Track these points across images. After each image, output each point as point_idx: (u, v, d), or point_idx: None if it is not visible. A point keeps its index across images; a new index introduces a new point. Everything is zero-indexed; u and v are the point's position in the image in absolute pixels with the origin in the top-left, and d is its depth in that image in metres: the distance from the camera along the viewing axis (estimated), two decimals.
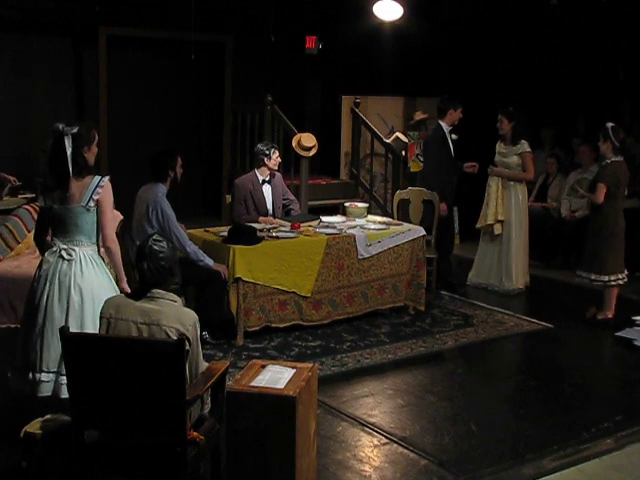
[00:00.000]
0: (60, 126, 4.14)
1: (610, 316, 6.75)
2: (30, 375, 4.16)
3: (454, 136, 7.83)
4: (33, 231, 4.58)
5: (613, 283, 6.66)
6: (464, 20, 9.72)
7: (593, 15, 8.93)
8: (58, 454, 3.70)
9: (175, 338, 3.40)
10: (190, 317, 3.53)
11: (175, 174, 5.89)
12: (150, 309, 3.51)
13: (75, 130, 4.15)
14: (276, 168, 6.84)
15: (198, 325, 3.56)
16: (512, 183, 7.63)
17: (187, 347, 3.41)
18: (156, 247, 3.57)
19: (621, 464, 4.40)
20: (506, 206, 7.61)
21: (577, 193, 8.12)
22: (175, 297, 3.60)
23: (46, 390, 4.12)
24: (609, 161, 6.59)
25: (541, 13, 9.31)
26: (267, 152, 6.76)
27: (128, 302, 3.58)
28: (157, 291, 3.55)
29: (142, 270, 3.56)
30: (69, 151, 4.11)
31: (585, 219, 8.34)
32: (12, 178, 7.45)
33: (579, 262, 6.96)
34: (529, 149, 7.61)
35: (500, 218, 7.59)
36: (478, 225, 7.81)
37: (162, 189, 5.84)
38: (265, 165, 6.76)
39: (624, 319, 6.70)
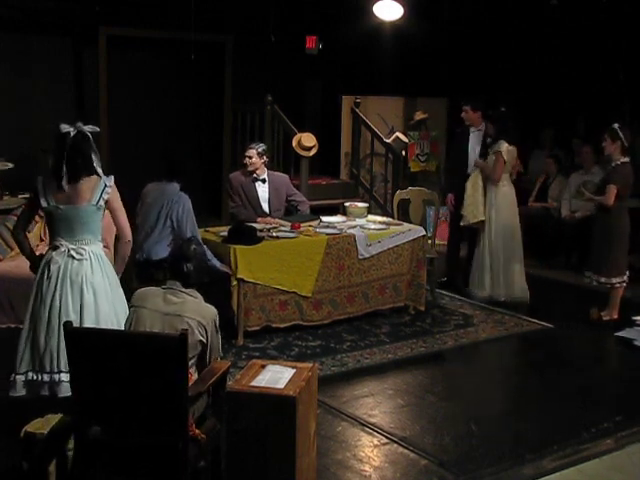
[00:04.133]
0: (80, 125, 4.19)
1: (616, 317, 6.75)
2: (46, 377, 4.15)
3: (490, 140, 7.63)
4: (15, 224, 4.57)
5: (624, 284, 6.68)
6: (464, 20, 9.71)
7: (593, 15, 8.92)
8: (58, 454, 3.70)
9: (195, 329, 3.59)
10: (210, 311, 3.75)
11: (186, 174, 5.93)
12: (173, 300, 3.71)
13: (97, 130, 4.24)
14: (249, 168, 6.76)
15: (217, 319, 3.76)
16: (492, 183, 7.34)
17: (204, 339, 3.67)
18: (199, 249, 3.88)
19: (621, 464, 4.40)
20: (489, 209, 7.31)
21: (583, 196, 7.77)
22: (197, 294, 3.80)
23: (65, 390, 4.11)
24: (619, 162, 6.57)
25: (541, 13, 9.30)
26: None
27: (154, 293, 3.78)
28: (180, 286, 3.76)
29: (186, 271, 3.76)
30: (95, 150, 4.21)
31: (585, 219, 8.35)
32: None
33: (587, 264, 6.88)
34: (502, 149, 7.24)
35: (481, 218, 7.30)
36: (462, 223, 7.47)
37: (177, 187, 5.83)
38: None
39: (624, 319, 6.70)
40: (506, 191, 7.38)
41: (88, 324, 4.08)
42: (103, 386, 3.37)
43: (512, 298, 7.33)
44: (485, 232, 7.35)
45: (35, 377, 4.18)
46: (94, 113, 9.09)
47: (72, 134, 4.16)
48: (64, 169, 4.13)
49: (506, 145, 7.29)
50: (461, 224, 7.52)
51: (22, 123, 8.72)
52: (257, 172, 6.79)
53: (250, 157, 6.76)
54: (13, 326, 5.76)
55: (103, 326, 4.11)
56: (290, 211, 7.09)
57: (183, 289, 3.75)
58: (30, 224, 4.45)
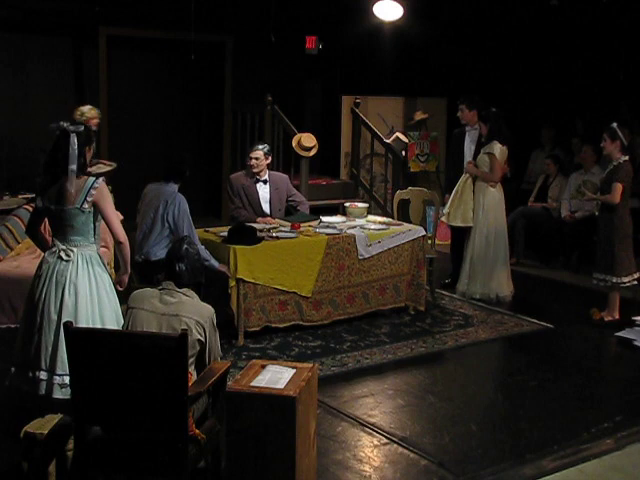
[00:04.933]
0: (64, 124, 4.15)
1: (617, 317, 6.74)
2: (30, 373, 4.17)
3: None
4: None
5: (634, 283, 6.68)
6: (464, 20, 9.72)
7: (593, 15, 8.93)
8: (58, 454, 3.70)
9: (193, 328, 3.61)
10: (208, 310, 3.77)
11: (186, 176, 5.92)
12: (169, 301, 3.73)
13: (81, 129, 4.19)
14: (255, 169, 6.75)
15: (214, 318, 3.78)
16: (482, 185, 7.35)
17: (202, 338, 3.68)
18: (191, 249, 3.86)
19: (621, 464, 4.40)
20: (477, 209, 7.32)
21: (584, 196, 7.79)
22: (192, 293, 3.82)
23: (42, 389, 4.14)
24: (621, 161, 6.58)
25: (541, 13, 9.31)
26: (249, 152, 6.79)
27: (150, 294, 3.80)
28: (175, 286, 3.78)
29: (181, 272, 3.79)
30: (75, 149, 4.13)
31: (585, 219, 8.36)
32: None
33: (595, 266, 6.82)
34: (496, 152, 7.25)
35: (470, 224, 7.33)
36: (445, 220, 7.53)
37: (175, 187, 5.82)
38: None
39: (624, 319, 6.70)
40: (494, 191, 7.39)
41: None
42: (103, 386, 3.38)
43: (491, 298, 7.35)
44: (473, 231, 7.38)
45: (22, 372, 4.21)
46: None
47: (56, 133, 4.16)
48: (50, 169, 4.15)
49: (499, 146, 7.30)
50: (443, 219, 7.56)
51: (22, 123, 8.72)
52: (261, 173, 6.79)
53: (257, 158, 6.74)
54: (13, 326, 5.77)
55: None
56: (289, 211, 7.08)
57: (178, 289, 3.76)
58: (40, 225, 4.42)
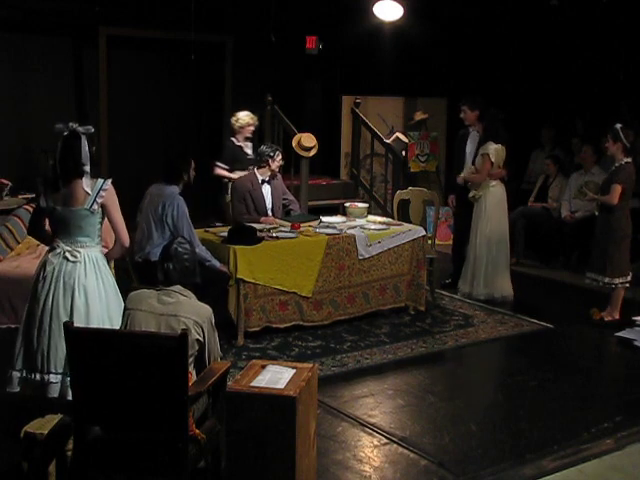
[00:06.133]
0: (73, 125, 4.14)
1: (617, 317, 6.74)
2: (37, 376, 4.15)
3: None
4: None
5: (626, 285, 6.67)
6: (464, 20, 9.72)
7: (593, 15, 8.93)
8: (58, 454, 3.70)
9: (192, 328, 3.61)
10: (206, 310, 3.77)
11: (189, 177, 5.89)
12: (167, 301, 3.73)
13: (92, 130, 4.19)
14: (278, 170, 6.85)
15: (213, 318, 3.78)
16: (484, 185, 7.35)
17: (201, 338, 3.67)
18: (181, 249, 3.84)
19: (621, 464, 4.40)
20: (479, 209, 7.36)
21: (585, 196, 7.82)
22: (190, 293, 3.81)
23: (54, 391, 4.12)
24: (623, 162, 6.57)
25: (541, 13, 9.31)
26: (272, 154, 6.79)
27: (148, 295, 3.78)
28: (175, 287, 3.78)
29: (168, 270, 3.79)
30: (87, 150, 4.13)
31: (585, 220, 8.35)
32: (4, 180, 7.43)
33: (588, 265, 6.85)
34: (491, 152, 7.27)
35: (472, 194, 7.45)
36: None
37: (176, 189, 5.81)
38: (268, 166, 6.79)
39: (624, 319, 6.70)
40: (496, 191, 7.39)
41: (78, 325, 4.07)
42: (103, 386, 3.38)
43: (496, 297, 7.35)
44: (474, 231, 7.39)
45: (28, 375, 4.19)
46: (94, 113, 9.11)
47: (65, 134, 4.14)
48: (57, 170, 4.13)
49: (494, 146, 7.30)
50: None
51: (22, 123, 8.72)
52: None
53: (281, 160, 6.83)
54: (13, 326, 5.76)
55: None
56: (286, 212, 7.10)
57: (175, 289, 3.76)
58: (43, 224, 4.39)
